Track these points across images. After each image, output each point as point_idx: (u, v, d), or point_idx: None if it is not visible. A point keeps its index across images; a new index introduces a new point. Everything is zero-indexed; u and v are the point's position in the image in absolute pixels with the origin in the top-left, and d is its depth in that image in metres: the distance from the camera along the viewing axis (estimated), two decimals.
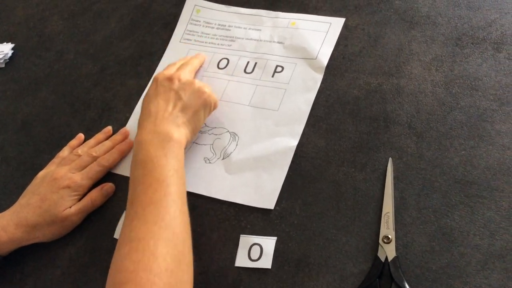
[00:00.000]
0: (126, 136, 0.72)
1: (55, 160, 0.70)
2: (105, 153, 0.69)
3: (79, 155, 0.69)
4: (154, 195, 0.55)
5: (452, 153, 0.61)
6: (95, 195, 0.66)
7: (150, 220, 0.53)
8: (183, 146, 0.62)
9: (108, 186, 0.67)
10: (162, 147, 0.59)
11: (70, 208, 0.64)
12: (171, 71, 0.68)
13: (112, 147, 0.70)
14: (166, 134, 0.60)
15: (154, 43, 0.81)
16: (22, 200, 0.65)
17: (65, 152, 0.71)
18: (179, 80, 0.66)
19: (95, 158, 0.68)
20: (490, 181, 0.58)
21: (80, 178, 0.66)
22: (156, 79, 0.67)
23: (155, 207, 0.54)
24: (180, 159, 0.60)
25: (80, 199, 0.66)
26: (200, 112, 0.66)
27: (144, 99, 0.66)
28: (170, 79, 0.66)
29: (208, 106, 0.67)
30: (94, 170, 0.67)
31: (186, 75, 0.67)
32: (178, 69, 0.69)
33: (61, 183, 0.65)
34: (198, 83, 0.67)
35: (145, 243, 0.51)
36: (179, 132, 0.62)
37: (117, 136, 0.72)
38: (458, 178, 0.59)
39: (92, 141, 0.72)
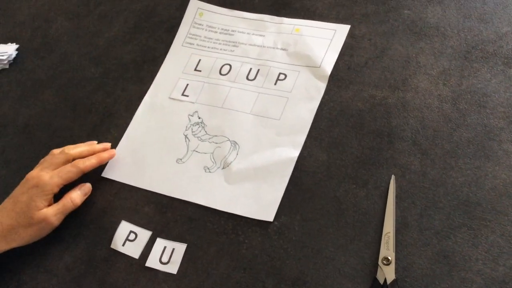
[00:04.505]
0: (106, 148, 0.71)
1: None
2: (79, 154, 0.68)
3: (53, 154, 0.68)
4: None
5: (456, 172, 0.59)
6: (74, 195, 0.65)
7: None
8: None
9: (87, 186, 0.66)
10: None
11: (47, 208, 0.63)
12: None
13: (89, 151, 0.69)
14: None
15: (157, 47, 0.80)
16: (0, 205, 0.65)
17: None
18: None
19: (68, 156, 0.67)
20: (495, 203, 0.56)
21: (49, 177, 0.64)
22: None
23: None
24: None
25: (51, 200, 0.64)
26: None
27: None
28: None
29: None
30: (66, 169, 0.65)
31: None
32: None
33: (30, 183, 0.64)
34: None
35: None
36: None
37: (98, 146, 0.70)
38: (462, 199, 0.57)
39: (72, 145, 0.70)
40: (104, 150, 0.70)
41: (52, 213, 0.63)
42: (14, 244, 0.63)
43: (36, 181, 0.64)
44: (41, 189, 0.63)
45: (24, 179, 0.65)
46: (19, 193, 0.64)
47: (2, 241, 0.62)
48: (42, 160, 0.69)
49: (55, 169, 0.66)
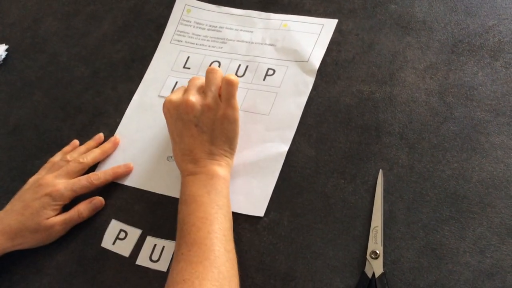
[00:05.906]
0: (116, 145, 0.71)
1: (47, 165, 0.70)
2: (92, 161, 0.69)
3: (68, 161, 0.68)
4: (197, 234, 0.55)
5: (444, 165, 0.59)
6: (83, 208, 0.65)
7: (195, 260, 0.53)
8: (227, 182, 0.61)
9: (98, 200, 0.66)
10: (204, 184, 0.59)
11: (55, 217, 0.64)
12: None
13: (101, 155, 0.70)
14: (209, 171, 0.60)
15: (146, 46, 0.79)
16: (8, 206, 0.65)
17: (57, 157, 0.70)
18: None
19: (82, 165, 0.68)
20: (482, 196, 0.56)
21: (64, 188, 0.65)
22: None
23: (199, 247, 0.54)
24: (225, 195, 0.60)
25: (60, 209, 0.65)
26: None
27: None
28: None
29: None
30: (81, 184, 0.66)
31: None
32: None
33: (44, 190, 0.64)
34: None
35: (190, 284, 0.51)
36: (223, 169, 0.61)
37: (107, 145, 0.71)
38: (450, 192, 0.57)
39: (82, 148, 0.71)
40: (114, 145, 0.71)
41: (59, 223, 0.64)
42: (19, 247, 0.64)
43: (50, 190, 0.64)
44: (54, 199, 0.64)
45: (37, 184, 0.65)
46: (30, 197, 0.64)
47: (9, 242, 0.62)
48: (51, 162, 0.69)
49: (70, 178, 0.66)
